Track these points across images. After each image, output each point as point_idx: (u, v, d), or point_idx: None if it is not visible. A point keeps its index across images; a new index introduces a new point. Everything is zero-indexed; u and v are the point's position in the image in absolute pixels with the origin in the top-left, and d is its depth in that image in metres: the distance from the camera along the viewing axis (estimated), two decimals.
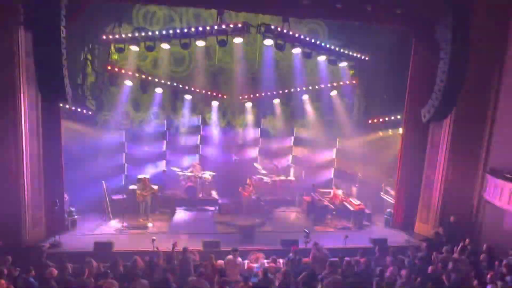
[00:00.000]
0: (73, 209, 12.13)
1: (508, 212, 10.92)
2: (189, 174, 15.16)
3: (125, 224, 12.34)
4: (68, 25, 9.78)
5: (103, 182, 13.02)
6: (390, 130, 15.37)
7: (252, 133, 16.57)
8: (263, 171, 16.02)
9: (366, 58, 14.95)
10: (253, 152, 16.85)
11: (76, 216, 12.08)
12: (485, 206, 11.84)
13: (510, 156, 11.22)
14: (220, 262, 9.38)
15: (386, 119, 15.42)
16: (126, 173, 15.09)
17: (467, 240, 10.66)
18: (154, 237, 10.13)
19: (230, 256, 9.30)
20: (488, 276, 8.38)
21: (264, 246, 11.10)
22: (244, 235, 11.78)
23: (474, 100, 11.81)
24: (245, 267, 9.56)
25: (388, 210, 13.83)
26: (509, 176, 10.66)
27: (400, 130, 13.89)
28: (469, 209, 12.25)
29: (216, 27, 12.62)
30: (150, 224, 12.58)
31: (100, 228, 12.18)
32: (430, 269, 9.12)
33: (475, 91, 11.72)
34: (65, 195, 11.89)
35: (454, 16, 10.63)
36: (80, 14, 10.48)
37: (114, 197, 13.40)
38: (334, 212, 13.65)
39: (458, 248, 10.23)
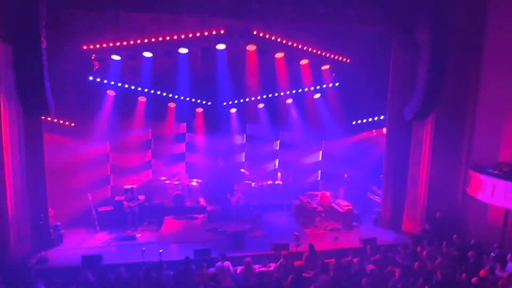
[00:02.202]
0: (59, 223, 11.92)
1: (492, 206, 11.22)
2: (176, 182, 15.08)
3: (113, 236, 12.20)
4: (49, 35, 9.72)
5: (89, 194, 12.83)
6: (374, 131, 15.58)
7: (237, 138, 16.55)
8: (251, 176, 16.02)
9: (348, 61, 15.24)
10: (240, 158, 16.84)
11: (62, 231, 11.88)
12: (469, 201, 12.08)
13: (491, 151, 11.54)
14: (212, 270, 9.36)
15: (370, 120, 15.66)
16: (112, 184, 14.91)
17: (454, 235, 10.94)
18: (144, 248, 10.00)
19: (220, 263, 9.30)
20: (482, 271, 8.56)
21: (255, 251, 11.12)
22: (234, 241, 11.77)
23: (454, 98, 12.12)
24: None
25: (376, 209, 14.00)
26: (491, 171, 10.96)
27: (384, 130, 14.10)
28: (454, 205, 12.51)
29: (198, 34, 12.68)
30: (138, 235, 12.45)
31: (87, 242, 11.99)
32: (416, 265, 9.31)
33: (455, 89, 12.04)
34: (50, 209, 11.68)
35: (432, 17, 10.99)
36: (60, 24, 10.35)
37: (101, 209, 13.19)
38: (323, 214, 13.72)
39: (445, 243, 10.50)
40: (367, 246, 10.67)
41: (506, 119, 11.33)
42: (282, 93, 15.75)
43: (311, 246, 10.09)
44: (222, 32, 12.98)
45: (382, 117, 14.58)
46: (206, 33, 12.82)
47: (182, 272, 9.03)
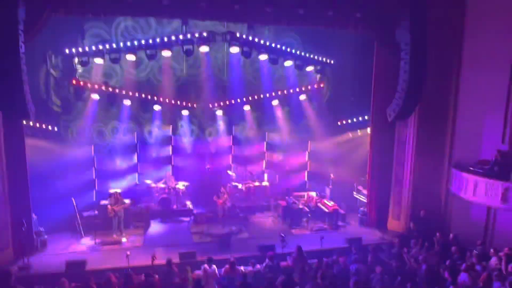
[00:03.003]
0: (42, 229, 11.74)
1: (474, 204, 11.38)
2: (162, 186, 15.00)
3: (97, 240, 12.05)
4: (28, 39, 9.61)
5: (73, 199, 12.67)
6: (359, 131, 15.69)
7: (224, 141, 16.52)
8: (237, 178, 16.01)
9: (332, 62, 15.38)
10: (227, 160, 16.81)
11: (45, 236, 11.71)
12: (453, 199, 12.31)
13: (473, 150, 11.78)
14: (198, 272, 9.31)
15: (355, 120, 15.78)
16: (96, 189, 14.76)
17: (437, 233, 11.06)
18: (128, 252, 9.91)
19: (205, 266, 9.26)
20: (463, 266, 8.67)
21: (242, 253, 11.09)
22: (220, 244, 11.74)
23: (436, 98, 12.30)
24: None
25: (362, 209, 14.07)
26: (472, 169, 11.13)
27: (368, 130, 14.22)
28: (437, 203, 12.67)
29: (181, 36, 12.66)
30: (124, 239, 12.33)
31: (71, 247, 11.81)
32: (401, 263, 9.40)
33: (436, 89, 12.22)
34: (33, 215, 11.52)
35: (411, 18, 11.12)
36: (40, 28, 10.24)
37: (85, 213, 13.04)
38: (310, 215, 13.75)
39: (427, 242, 10.61)
40: (352, 246, 10.70)
41: (486, 117, 11.51)
42: (267, 95, 15.81)
43: (299, 249, 10.05)
44: (204, 34, 12.96)
45: (366, 117, 14.70)
46: (189, 36, 12.77)
47: (165, 275, 8.94)
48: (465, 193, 11.24)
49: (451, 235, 10.77)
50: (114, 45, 12.69)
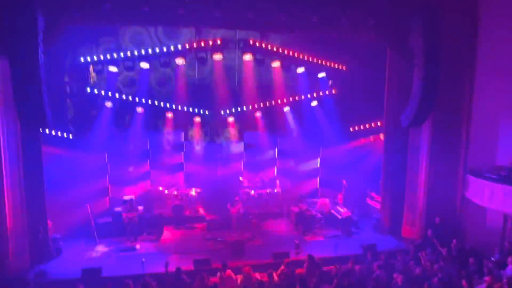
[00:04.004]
0: (57, 235, 11.87)
1: (490, 210, 11.26)
2: (175, 192, 15.08)
3: (112, 247, 12.16)
4: (45, 49, 9.76)
5: (88, 205, 12.82)
6: (371, 136, 15.65)
7: (236, 147, 16.56)
8: (249, 185, 16.01)
9: (344, 68, 15.39)
10: (238, 166, 16.83)
11: (61, 243, 11.83)
12: (468, 206, 12.16)
13: (488, 155, 11.63)
14: (214, 279, 9.34)
15: (367, 126, 15.72)
16: (110, 195, 14.87)
17: (454, 240, 10.96)
18: (143, 259, 9.99)
19: (221, 272, 9.28)
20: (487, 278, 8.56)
21: (255, 260, 11.10)
22: (234, 250, 11.74)
23: (450, 104, 12.24)
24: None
25: (375, 215, 14.04)
26: (488, 175, 11.02)
27: (381, 136, 14.17)
28: (453, 210, 12.55)
29: (195, 44, 12.80)
30: (138, 246, 12.41)
31: (86, 254, 11.92)
32: (418, 270, 9.32)
33: (450, 95, 12.16)
34: (49, 222, 11.63)
35: (425, 24, 11.13)
36: (58, 38, 10.43)
37: (100, 220, 13.17)
38: (322, 221, 13.74)
39: (445, 249, 10.52)
40: (368, 253, 10.65)
41: (502, 122, 11.40)
42: (279, 101, 15.88)
43: (310, 257, 10.03)
44: (218, 42, 13.09)
45: (379, 123, 14.68)
46: (202, 44, 12.92)
47: (173, 284, 8.95)
48: (481, 199, 11.11)
49: (468, 246, 10.63)
50: (128, 53, 12.83)
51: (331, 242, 12.15)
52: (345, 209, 14.05)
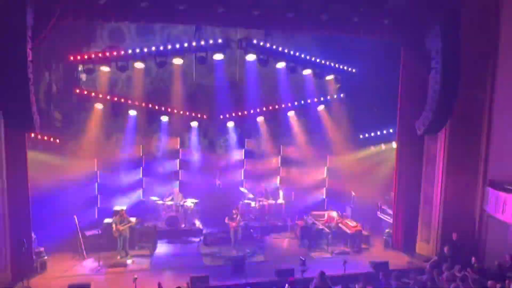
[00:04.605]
0: (42, 249, 11.76)
1: None
2: (170, 203, 15.05)
3: (101, 262, 12.08)
4: (33, 46, 9.75)
5: (75, 216, 12.75)
6: (383, 145, 15.68)
7: (236, 154, 16.63)
8: (250, 195, 16.01)
9: (353, 71, 15.50)
10: (238, 175, 16.87)
11: (46, 257, 11.72)
12: (488, 220, 12.15)
13: (510, 166, 11.60)
14: None
15: (378, 133, 15.75)
16: (99, 206, 14.88)
17: (473, 258, 10.96)
18: (135, 276, 9.89)
19: None
20: None
21: (257, 278, 11.08)
22: (234, 267, 11.70)
23: (469, 109, 12.23)
24: None
25: (387, 230, 14.03)
26: (510, 187, 11.05)
27: (394, 145, 14.19)
28: (471, 225, 12.52)
29: (194, 43, 12.86)
30: (129, 261, 12.37)
31: (73, 269, 11.86)
32: None
33: (469, 99, 12.14)
34: (33, 234, 11.55)
35: (444, 24, 11.15)
36: (47, 34, 10.44)
37: (88, 233, 13.08)
38: (330, 236, 13.72)
39: (460, 267, 10.51)
40: (380, 272, 10.61)
41: None
42: (283, 105, 15.95)
43: (322, 274, 9.97)
44: (219, 41, 13.16)
45: (391, 130, 14.70)
46: (202, 43, 12.98)
47: None
48: (503, 214, 11.11)
49: (487, 265, 10.63)
50: (122, 52, 12.85)
51: (339, 259, 12.00)
52: (354, 223, 14.03)
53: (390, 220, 14.26)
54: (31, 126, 10.19)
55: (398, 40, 12.45)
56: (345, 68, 15.38)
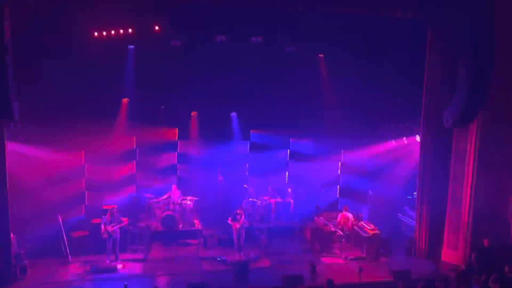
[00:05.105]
0: (22, 251, 11.68)
1: None
2: (166, 200, 14.98)
3: (88, 267, 11.97)
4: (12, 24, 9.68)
5: (59, 215, 12.64)
6: (405, 138, 15.52)
7: (240, 148, 16.68)
8: (255, 193, 15.95)
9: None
10: (242, 171, 16.94)
11: (26, 261, 11.62)
12: None
13: None
14: None
15: (400, 125, 15.61)
16: (86, 203, 14.92)
17: (506, 267, 10.56)
18: (126, 283, 9.61)
19: None
20: None
21: (262, 285, 11.03)
22: (236, 273, 11.62)
23: (505, 98, 11.88)
24: None
25: (409, 234, 13.86)
26: None
27: (418, 138, 14.01)
28: (505, 230, 12.27)
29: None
30: (120, 266, 12.24)
31: (57, 275, 11.71)
32: None
33: (505, 87, 11.78)
34: (12, 235, 11.44)
35: (477, 2, 10.84)
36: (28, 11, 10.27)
37: (74, 234, 13.07)
38: (344, 240, 13.54)
39: (493, 277, 10.14)
40: (399, 281, 10.30)
41: None
42: (292, 93, 15.81)
43: (330, 283, 9.70)
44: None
45: (415, 122, 14.46)
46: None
47: None
48: None
49: None
50: (112, 32, 12.74)
51: (354, 265, 11.97)
52: (372, 226, 13.84)
53: (412, 223, 14.12)
54: (9, 115, 10.10)
55: (424, 18, 12.26)
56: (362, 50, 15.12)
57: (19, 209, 11.90)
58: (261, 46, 14.29)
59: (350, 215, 14.30)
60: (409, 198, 14.74)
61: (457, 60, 11.70)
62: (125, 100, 14.53)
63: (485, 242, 11.70)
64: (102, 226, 12.38)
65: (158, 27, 13.33)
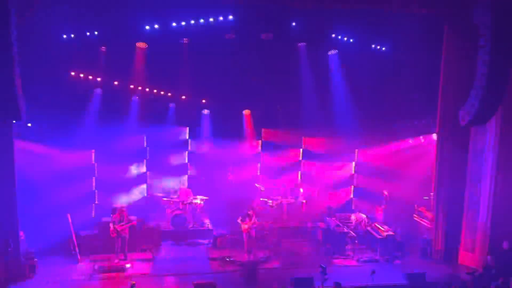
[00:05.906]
0: (31, 250, 11.87)
1: None
2: (176, 200, 15.08)
3: (97, 266, 12.09)
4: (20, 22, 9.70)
5: (68, 215, 12.77)
6: (421, 137, 15.44)
7: (251, 146, 16.71)
8: (262, 188, 16.04)
9: (383, 49, 15.29)
10: (254, 170, 16.95)
11: (35, 259, 11.74)
12: None
13: None
14: None
15: (416, 123, 15.55)
16: (96, 202, 15.05)
17: None
18: (133, 282, 9.73)
19: None
20: None
21: (271, 287, 10.95)
22: (245, 274, 11.61)
23: None
24: None
25: (424, 236, 13.81)
26: None
27: (434, 136, 13.93)
28: None
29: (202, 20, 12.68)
30: (128, 265, 12.30)
31: (66, 274, 11.79)
32: None
33: None
34: (21, 233, 11.63)
35: None
36: (36, 10, 10.39)
37: (83, 233, 13.19)
38: (356, 241, 13.55)
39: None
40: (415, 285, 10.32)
41: None
42: (304, 90, 15.75)
43: (338, 285, 9.70)
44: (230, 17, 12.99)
45: (431, 120, 14.33)
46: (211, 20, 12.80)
47: None
48: None
49: None
50: None
51: (367, 268, 11.78)
52: (386, 227, 13.73)
53: (428, 224, 14.02)
54: (16, 114, 10.16)
55: (440, 13, 12.19)
56: (377, 47, 15.20)
57: (29, 208, 12.03)
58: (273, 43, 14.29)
59: (363, 216, 14.27)
60: (425, 198, 14.62)
61: (473, 57, 11.42)
62: (135, 98, 14.66)
63: (505, 244, 11.54)
64: (111, 225, 12.46)
65: None
